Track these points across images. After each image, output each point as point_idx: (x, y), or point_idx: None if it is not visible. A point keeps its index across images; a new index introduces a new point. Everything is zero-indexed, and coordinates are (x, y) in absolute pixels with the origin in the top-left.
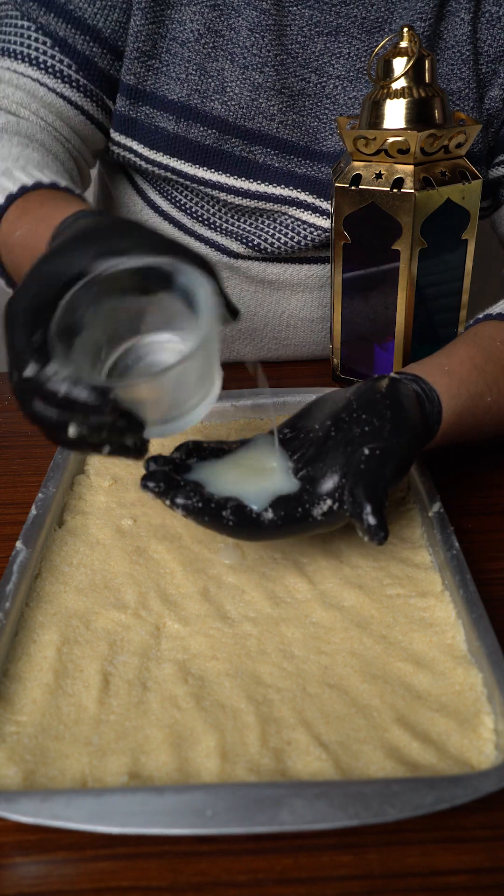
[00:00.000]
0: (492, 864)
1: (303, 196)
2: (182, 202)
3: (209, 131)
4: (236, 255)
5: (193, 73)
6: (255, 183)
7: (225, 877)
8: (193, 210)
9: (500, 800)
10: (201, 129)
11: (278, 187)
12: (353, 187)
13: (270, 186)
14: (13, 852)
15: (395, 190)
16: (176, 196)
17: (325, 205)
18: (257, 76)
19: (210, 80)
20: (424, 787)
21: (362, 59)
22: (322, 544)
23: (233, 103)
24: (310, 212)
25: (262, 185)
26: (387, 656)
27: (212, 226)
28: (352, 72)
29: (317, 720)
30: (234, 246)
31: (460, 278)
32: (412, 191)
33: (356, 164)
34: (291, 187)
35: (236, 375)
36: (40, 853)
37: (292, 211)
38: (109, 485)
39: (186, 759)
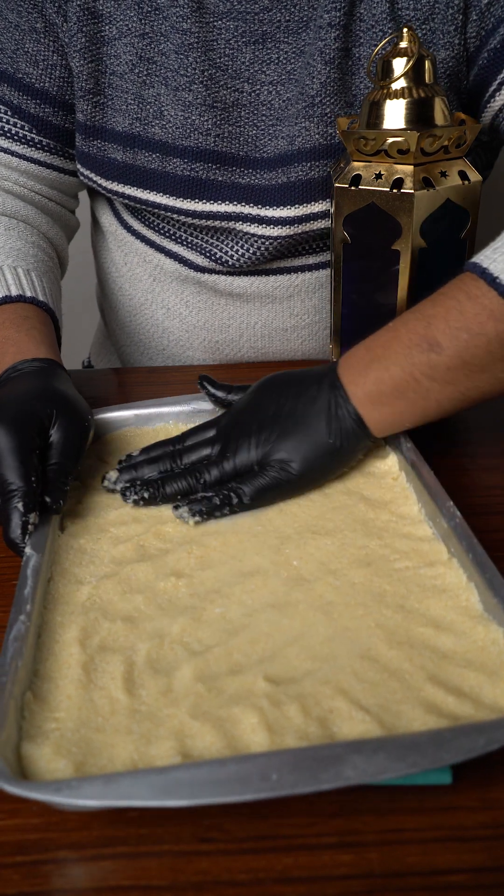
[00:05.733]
0: (492, 864)
1: (247, 209)
2: (150, 220)
3: (153, 155)
4: (203, 269)
5: (132, 102)
6: (199, 203)
7: (225, 876)
8: (160, 226)
9: (500, 800)
10: (146, 154)
11: (222, 204)
12: (352, 187)
13: (214, 204)
14: (13, 851)
15: (394, 190)
16: (145, 214)
17: (271, 212)
18: (187, 95)
19: (148, 106)
20: (474, 732)
21: (291, 61)
22: (325, 527)
23: (170, 125)
24: (256, 224)
25: (206, 203)
26: (408, 623)
27: (178, 240)
28: (283, 75)
29: (354, 688)
30: (200, 260)
31: None
32: (412, 191)
33: (356, 164)
34: (235, 202)
35: (222, 376)
36: (40, 852)
37: (240, 226)
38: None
39: (233, 737)
